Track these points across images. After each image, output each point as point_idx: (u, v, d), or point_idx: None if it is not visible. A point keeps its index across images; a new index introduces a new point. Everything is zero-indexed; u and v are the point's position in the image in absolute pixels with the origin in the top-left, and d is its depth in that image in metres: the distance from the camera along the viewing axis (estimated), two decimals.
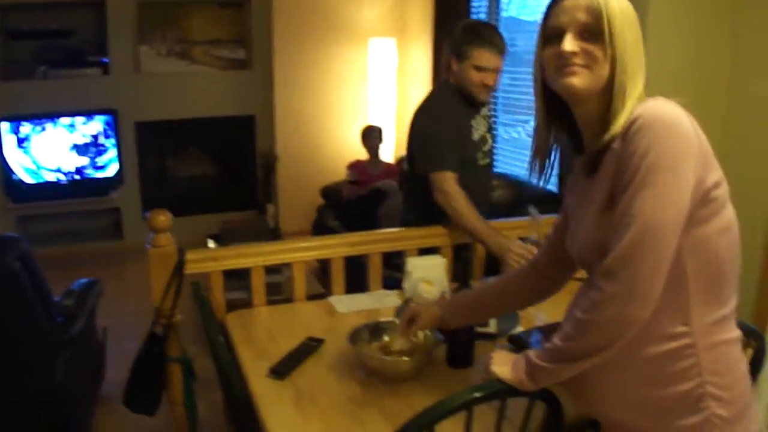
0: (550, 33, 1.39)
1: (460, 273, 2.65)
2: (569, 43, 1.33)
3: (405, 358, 1.90)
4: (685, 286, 1.27)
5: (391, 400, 1.77)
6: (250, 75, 6.47)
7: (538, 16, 4.68)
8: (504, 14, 5.24)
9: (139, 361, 2.30)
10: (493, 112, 3.10)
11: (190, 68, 6.25)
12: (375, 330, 2.02)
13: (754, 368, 1.82)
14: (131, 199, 6.23)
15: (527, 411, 1.46)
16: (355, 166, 5.77)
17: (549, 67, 1.39)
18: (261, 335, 2.21)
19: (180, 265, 2.24)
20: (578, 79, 1.33)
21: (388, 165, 5.97)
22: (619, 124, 1.29)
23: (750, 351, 1.82)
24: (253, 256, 2.44)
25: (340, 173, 5.98)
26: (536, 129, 1.51)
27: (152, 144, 6.32)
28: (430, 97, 3.01)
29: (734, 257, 1.34)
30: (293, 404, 1.76)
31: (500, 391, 1.41)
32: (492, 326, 2.21)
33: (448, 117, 2.85)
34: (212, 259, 2.37)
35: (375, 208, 5.20)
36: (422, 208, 2.83)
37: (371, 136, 5.88)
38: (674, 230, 1.22)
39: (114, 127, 6.03)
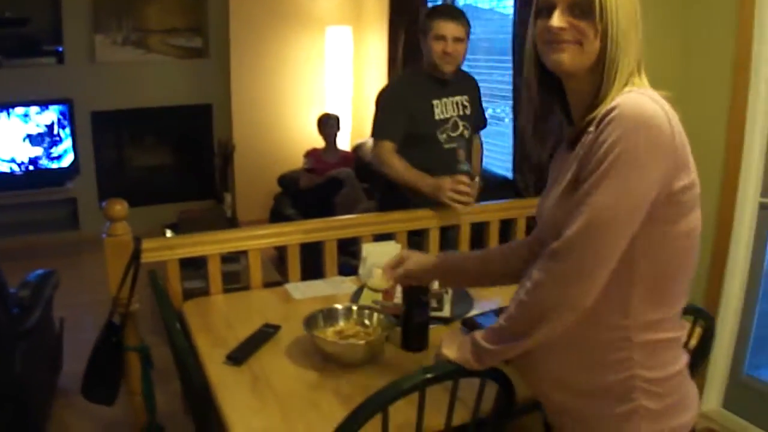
0: (541, 6, 1.38)
1: None
2: (557, 19, 1.32)
3: (360, 342, 1.93)
4: (631, 282, 1.29)
5: (346, 385, 1.80)
6: (206, 64, 6.43)
7: (494, 4, 4.76)
8: (461, 2, 5.28)
9: (96, 351, 2.28)
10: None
11: (146, 57, 6.19)
12: (329, 315, 2.05)
13: (704, 348, 1.89)
14: (87, 190, 6.16)
15: (479, 391, 1.50)
16: (312, 155, 5.77)
17: (539, 40, 1.39)
18: (218, 323, 2.23)
19: (136, 254, 2.24)
20: (567, 55, 1.34)
21: (344, 153, 5.99)
22: (607, 104, 1.29)
23: (699, 330, 1.89)
24: (209, 244, 2.45)
25: (297, 162, 5.97)
26: (530, 99, 1.53)
27: (108, 134, 6.26)
28: (394, 77, 3.19)
29: (689, 264, 1.36)
30: (250, 390, 1.78)
31: (451, 372, 1.45)
32: (446, 310, 2.25)
33: (401, 91, 3.09)
34: (168, 248, 2.38)
35: (331, 197, 5.22)
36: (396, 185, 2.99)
37: (328, 124, 5.88)
38: (627, 225, 1.23)
39: (69, 117, 5.96)
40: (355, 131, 6.70)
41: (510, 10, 4.34)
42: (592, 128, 1.28)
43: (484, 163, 3.58)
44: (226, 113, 6.38)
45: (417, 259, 1.82)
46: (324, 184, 5.42)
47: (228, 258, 3.86)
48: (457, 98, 3.07)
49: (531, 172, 3.95)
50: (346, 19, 6.55)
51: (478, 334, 1.44)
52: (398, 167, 2.92)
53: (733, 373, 3.23)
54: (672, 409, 1.35)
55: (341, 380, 1.83)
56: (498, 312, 2.19)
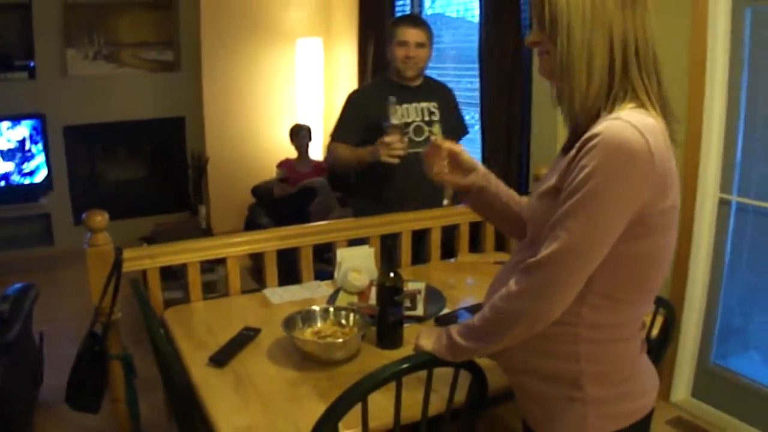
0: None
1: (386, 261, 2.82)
2: (529, 35, 1.43)
3: (338, 341, 2.01)
4: (584, 292, 1.35)
5: (326, 382, 1.88)
6: (178, 77, 6.46)
7: (462, 13, 4.86)
8: (429, 11, 5.38)
9: (79, 360, 2.32)
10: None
11: (118, 71, 6.21)
12: (307, 317, 2.13)
13: (666, 336, 1.98)
14: (61, 205, 6.16)
15: (453, 381, 1.58)
16: (285, 165, 5.83)
17: None
18: (199, 328, 2.30)
19: (118, 264, 2.29)
20: (540, 66, 1.44)
21: (317, 163, 6.05)
22: (570, 124, 1.39)
23: (660, 319, 1.99)
24: (189, 252, 2.52)
25: (270, 172, 6.04)
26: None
27: (81, 148, 6.26)
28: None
29: (654, 280, 1.40)
30: (234, 390, 1.85)
31: (426, 362, 1.53)
32: (419, 309, 2.34)
33: (362, 97, 3.27)
34: (149, 257, 2.44)
35: (305, 206, 5.29)
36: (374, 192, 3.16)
37: (300, 135, 5.95)
38: (597, 252, 1.30)
39: (41, 132, 5.96)
40: (327, 141, 6.75)
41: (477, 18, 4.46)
42: (574, 149, 1.33)
43: None
44: (198, 126, 6.40)
45: (468, 157, 1.83)
46: (297, 193, 5.49)
47: (205, 268, 3.93)
48: (423, 104, 3.17)
49: (498, 177, 4.04)
50: (316, 31, 6.63)
51: (454, 329, 1.52)
52: (343, 153, 3.13)
53: (701, 363, 3.34)
54: (621, 396, 1.43)
55: (320, 378, 1.90)
56: (471, 309, 2.28)
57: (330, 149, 3.22)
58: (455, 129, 3.31)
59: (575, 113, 1.38)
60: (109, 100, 6.22)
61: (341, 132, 3.18)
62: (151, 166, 6.69)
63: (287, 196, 5.52)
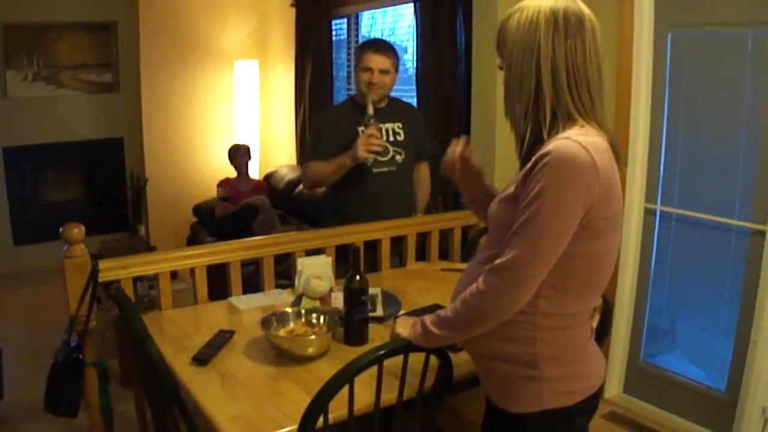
0: None
1: (342, 270, 3.01)
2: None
3: (311, 337, 2.18)
4: (540, 284, 1.55)
5: (303, 374, 2.05)
6: (117, 98, 6.53)
7: (396, 38, 5.07)
8: (363, 34, 5.58)
9: (57, 367, 2.41)
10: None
11: (57, 92, 6.25)
12: (281, 318, 2.30)
13: (603, 327, 2.22)
14: (1, 226, 6.16)
15: (425, 364, 1.79)
16: (226, 184, 5.90)
17: None
18: (175, 333, 2.43)
19: (94, 273, 2.41)
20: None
21: (256, 182, 6.15)
22: (517, 138, 1.60)
23: (597, 314, 2.22)
24: (160, 263, 2.65)
25: (210, 192, 6.11)
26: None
27: (21, 169, 6.27)
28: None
29: (600, 277, 1.61)
30: (219, 385, 2.01)
31: (403, 348, 1.73)
32: (379, 310, 2.53)
33: (327, 119, 3.39)
34: (122, 267, 2.55)
35: (248, 223, 5.40)
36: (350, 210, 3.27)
37: (238, 155, 6.03)
38: (552, 255, 1.49)
39: None
40: (264, 161, 6.91)
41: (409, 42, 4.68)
42: (530, 163, 1.51)
43: None
44: (137, 146, 6.44)
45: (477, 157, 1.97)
46: (239, 211, 5.58)
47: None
48: (388, 125, 3.25)
49: (438, 187, 4.24)
50: (252, 53, 6.76)
51: (428, 319, 1.72)
52: (320, 168, 3.19)
53: (631, 360, 3.60)
54: (572, 375, 1.64)
55: (297, 372, 2.07)
56: (419, 310, 2.47)
57: (305, 169, 3.28)
58: (420, 150, 3.42)
59: (517, 128, 1.61)
60: (48, 122, 6.26)
61: (315, 150, 3.24)
62: (89, 187, 6.71)
63: (230, 215, 5.60)
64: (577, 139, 1.46)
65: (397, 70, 3.26)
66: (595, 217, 1.49)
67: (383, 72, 3.18)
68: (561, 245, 1.49)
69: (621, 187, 1.57)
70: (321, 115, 3.43)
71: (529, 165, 1.51)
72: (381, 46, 3.23)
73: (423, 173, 3.54)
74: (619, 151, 1.57)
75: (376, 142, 3.04)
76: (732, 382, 3.14)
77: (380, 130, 3.14)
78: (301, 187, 5.62)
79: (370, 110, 3.10)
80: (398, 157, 3.27)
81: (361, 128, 3.14)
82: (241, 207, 5.61)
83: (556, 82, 1.53)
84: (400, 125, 3.30)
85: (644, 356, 3.57)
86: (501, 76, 1.66)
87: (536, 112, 1.55)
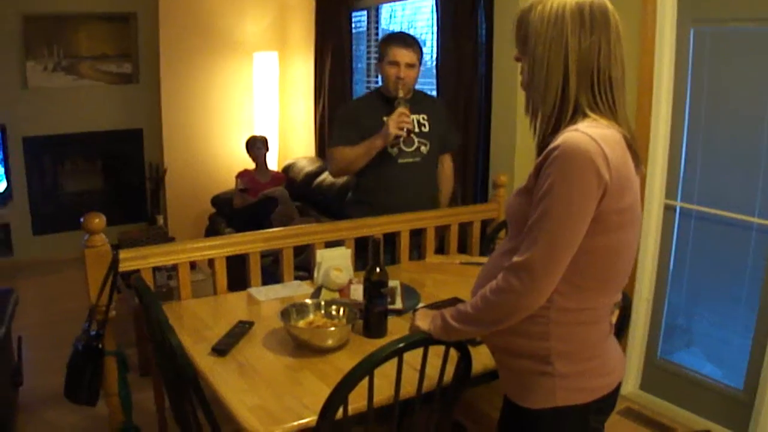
0: None
1: (361, 262, 3.02)
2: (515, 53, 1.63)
3: (331, 329, 2.19)
4: None
5: (322, 366, 2.06)
6: (137, 89, 6.54)
7: (417, 30, 5.06)
8: (383, 26, 5.58)
9: (77, 356, 2.43)
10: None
11: (77, 83, 6.26)
12: (301, 309, 2.31)
13: (622, 323, 2.21)
14: (20, 216, 6.19)
15: (444, 357, 1.79)
16: (245, 175, 5.91)
17: None
18: (195, 323, 2.45)
19: (115, 263, 2.43)
20: (521, 80, 1.63)
21: (275, 173, 6.15)
22: (537, 133, 1.58)
23: (616, 311, 2.21)
24: (180, 253, 2.67)
25: (229, 183, 6.13)
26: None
27: (41, 159, 6.30)
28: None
29: (615, 273, 1.58)
30: (239, 375, 2.02)
31: (423, 340, 1.73)
32: (398, 303, 2.53)
33: (352, 110, 3.41)
34: (142, 257, 2.57)
35: (266, 215, 5.41)
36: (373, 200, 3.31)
37: (255, 146, 6.03)
38: (570, 250, 1.48)
39: (1, 143, 5.96)
40: (282, 152, 6.92)
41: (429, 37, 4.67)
42: (544, 153, 1.51)
43: None
44: (156, 137, 6.47)
45: None
46: (258, 203, 5.60)
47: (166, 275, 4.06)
48: (414, 116, 3.23)
49: (457, 180, 4.24)
50: (272, 45, 6.77)
51: (447, 313, 1.71)
52: (348, 153, 3.20)
53: (648, 357, 3.58)
54: (587, 372, 1.63)
55: (316, 363, 2.08)
56: (439, 303, 2.47)
57: (332, 155, 3.27)
58: (445, 141, 3.42)
59: (538, 123, 1.60)
60: (68, 112, 6.28)
61: (341, 137, 3.23)
62: (109, 178, 6.73)
63: (248, 206, 5.62)
64: (586, 131, 1.45)
65: (421, 63, 3.27)
66: (607, 210, 1.47)
67: (410, 66, 3.19)
68: (577, 238, 1.47)
69: (638, 184, 1.56)
70: (345, 106, 3.44)
71: (540, 158, 1.51)
72: (407, 39, 3.24)
73: (447, 165, 3.53)
74: (637, 150, 1.56)
75: (407, 119, 3.07)
76: (750, 381, 3.12)
77: (418, 149, 3.19)
78: (319, 179, 5.63)
79: (401, 93, 3.13)
80: (423, 148, 3.27)
81: (386, 118, 3.15)
82: (260, 198, 5.63)
83: (581, 79, 1.52)
84: (426, 117, 3.31)
85: (662, 353, 3.56)
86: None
87: (561, 108, 1.54)
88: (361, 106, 3.42)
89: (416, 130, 3.25)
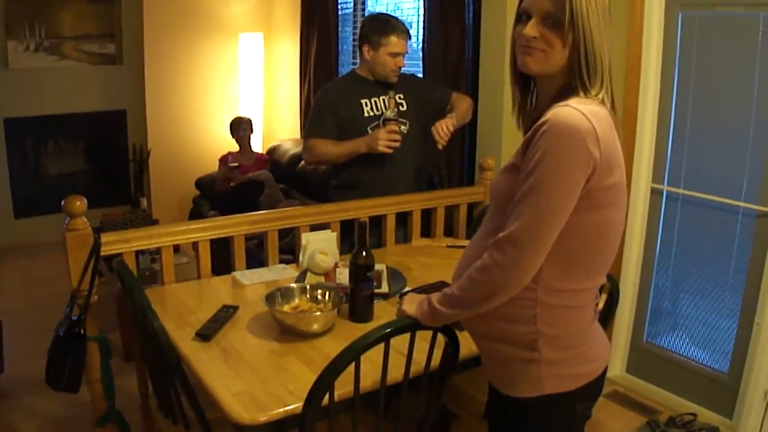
0: (521, 12, 1.58)
1: (347, 246, 3.00)
2: (530, 28, 1.53)
3: (316, 313, 2.17)
4: None
5: (308, 351, 2.04)
6: (120, 70, 6.44)
7: (400, 12, 5.02)
8: (370, 8, 5.53)
9: (58, 342, 2.40)
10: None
11: (59, 63, 6.16)
12: (286, 293, 2.29)
13: (609, 307, 2.20)
14: (1, 199, 6.10)
15: (431, 341, 1.77)
16: (227, 159, 5.86)
17: (516, 43, 1.59)
18: (178, 308, 2.42)
19: (97, 247, 2.39)
20: (532, 60, 1.54)
21: (259, 155, 6.09)
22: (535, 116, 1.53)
23: (604, 295, 2.19)
24: (162, 237, 2.63)
25: (213, 165, 6.06)
26: (511, 89, 1.71)
27: (22, 141, 6.21)
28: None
29: (599, 252, 1.57)
30: (223, 361, 1.99)
31: (410, 326, 1.71)
32: (384, 287, 2.52)
33: (330, 94, 3.31)
34: (125, 241, 2.53)
35: (252, 198, 5.35)
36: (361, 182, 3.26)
37: (240, 128, 5.94)
38: (556, 224, 1.46)
39: None
40: (267, 134, 6.86)
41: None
42: (532, 129, 1.49)
43: None
44: (140, 119, 6.39)
45: None
46: (243, 186, 5.53)
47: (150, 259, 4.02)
48: (391, 94, 3.21)
49: (444, 167, 4.22)
50: (257, 26, 6.70)
51: (434, 297, 1.69)
52: (330, 149, 3.19)
53: (634, 340, 3.59)
54: (573, 359, 1.61)
55: (301, 348, 2.06)
56: (425, 287, 2.46)
57: (310, 146, 3.24)
58: (430, 103, 3.36)
59: (549, 102, 1.54)
60: (50, 93, 6.18)
61: (319, 128, 3.22)
62: (92, 159, 6.63)
63: (232, 190, 5.56)
64: (576, 107, 1.44)
65: None
66: (596, 186, 1.46)
67: (405, 54, 3.22)
68: (564, 213, 1.46)
69: (624, 162, 1.55)
70: (322, 91, 3.39)
71: (529, 133, 1.50)
72: (403, 29, 3.21)
73: (455, 98, 3.41)
74: (620, 130, 1.55)
75: (396, 137, 3.05)
76: (735, 365, 3.14)
77: (400, 126, 3.15)
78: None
79: (388, 111, 3.12)
80: (403, 128, 3.24)
81: (370, 106, 3.16)
82: (244, 181, 5.56)
83: (608, 67, 1.53)
84: (402, 96, 3.29)
85: (647, 336, 3.57)
86: (508, 49, 1.64)
87: (582, 90, 1.52)
88: (338, 90, 3.35)
89: (395, 110, 3.23)
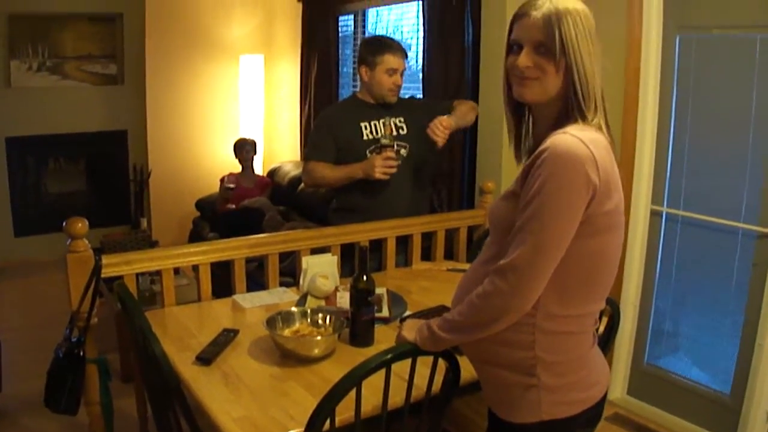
0: (512, 44, 1.60)
1: (348, 269, 3.00)
2: (523, 58, 1.55)
3: (317, 338, 2.16)
4: None
5: (309, 376, 2.04)
6: (122, 90, 6.48)
7: (400, 34, 5.04)
8: (370, 29, 5.55)
9: (58, 363, 2.39)
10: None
11: (61, 83, 6.20)
12: (287, 317, 2.28)
13: (610, 331, 2.20)
14: (2, 217, 6.12)
15: (432, 367, 1.77)
16: (229, 179, 5.87)
17: (510, 73, 1.61)
18: (178, 331, 2.42)
19: (98, 269, 2.39)
20: (528, 90, 1.56)
21: (260, 178, 6.09)
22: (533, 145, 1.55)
23: (605, 319, 2.20)
24: (164, 259, 2.64)
25: (213, 186, 6.08)
26: (506, 118, 1.72)
27: (23, 160, 6.23)
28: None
29: (601, 277, 1.58)
30: (224, 385, 1.99)
31: (410, 351, 1.71)
32: (384, 311, 2.51)
33: (329, 117, 3.34)
34: (125, 263, 2.54)
35: (255, 226, 5.31)
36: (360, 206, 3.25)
37: (244, 149, 5.96)
38: (557, 251, 1.47)
39: None
40: (268, 156, 6.87)
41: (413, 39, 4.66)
42: (532, 156, 1.50)
43: None
44: (141, 139, 6.41)
45: None
46: (240, 213, 5.51)
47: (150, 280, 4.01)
48: (391, 119, 3.21)
49: (444, 186, 4.23)
50: (258, 48, 6.73)
51: (434, 323, 1.69)
52: (328, 173, 3.19)
53: (635, 362, 3.57)
54: (572, 385, 1.61)
55: (302, 372, 2.06)
56: (426, 312, 2.45)
57: (309, 169, 3.25)
58: (439, 112, 3.27)
59: (547, 130, 1.56)
60: (52, 112, 6.21)
61: (318, 151, 3.23)
62: (92, 179, 6.66)
63: (233, 214, 5.55)
64: (575, 134, 1.45)
65: None
66: (595, 212, 1.47)
67: (402, 72, 3.22)
68: (565, 240, 1.46)
69: (623, 184, 1.55)
70: (322, 113, 3.40)
71: (528, 161, 1.51)
72: (398, 47, 3.23)
73: (456, 104, 3.40)
74: (616, 153, 1.56)
75: (393, 163, 3.05)
76: (737, 386, 3.12)
77: (398, 152, 3.15)
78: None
79: (385, 138, 3.11)
80: (403, 151, 3.24)
81: (369, 129, 3.16)
82: (243, 208, 5.54)
83: (600, 91, 1.55)
84: (402, 119, 3.28)
85: (648, 358, 3.55)
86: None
87: (580, 116, 1.53)
88: (338, 113, 3.36)
89: (395, 133, 3.22)
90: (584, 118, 1.52)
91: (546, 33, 1.51)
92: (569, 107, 1.53)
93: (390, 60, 3.16)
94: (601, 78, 1.54)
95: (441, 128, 3.05)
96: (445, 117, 3.10)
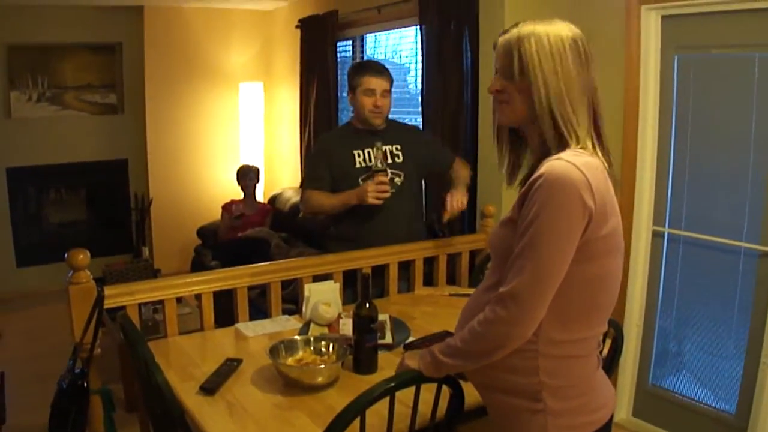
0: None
1: (350, 295, 3.00)
2: (493, 83, 1.61)
3: (321, 366, 2.16)
4: None
5: (313, 404, 2.03)
6: (122, 119, 6.52)
7: (398, 59, 5.07)
8: (368, 54, 5.59)
9: (62, 395, 2.38)
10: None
11: (61, 113, 6.24)
12: (290, 346, 2.27)
13: (614, 354, 2.19)
14: (3, 248, 6.13)
15: (437, 393, 1.76)
16: (230, 207, 5.90)
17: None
18: (182, 360, 2.41)
19: (100, 300, 2.39)
20: (501, 114, 1.62)
21: (261, 205, 6.12)
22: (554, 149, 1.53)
23: (608, 341, 2.19)
24: (167, 289, 2.63)
25: (215, 213, 6.10)
26: (497, 147, 1.75)
27: (24, 190, 6.26)
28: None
29: (602, 301, 1.58)
30: (228, 415, 1.98)
31: (414, 378, 1.71)
32: (388, 337, 2.50)
33: (323, 145, 3.38)
34: (128, 294, 2.54)
35: (261, 256, 5.29)
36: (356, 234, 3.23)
37: (248, 176, 5.99)
38: (557, 277, 1.48)
39: None
40: (269, 182, 6.90)
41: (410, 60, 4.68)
42: (526, 186, 1.52)
43: None
44: (141, 168, 6.45)
45: None
46: (243, 242, 5.51)
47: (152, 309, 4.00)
48: (386, 147, 3.20)
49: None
50: (257, 75, 6.77)
51: (436, 348, 1.69)
52: (323, 200, 3.18)
53: (639, 383, 3.57)
54: (579, 408, 1.60)
55: (306, 401, 2.05)
56: (429, 337, 2.45)
57: (305, 198, 3.24)
58: (434, 163, 3.37)
59: (537, 155, 1.58)
60: (52, 142, 6.25)
61: (314, 179, 3.22)
62: (93, 208, 6.69)
63: (235, 243, 5.55)
64: (569, 159, 1.46)
65: (391, 90, 3.24)
66: (592, 236, 1.47)
67: (384, 93, 3.17)
68: (563, 266, 1.47)
69: (624, 205, 1.56)
70: (318, 141, 3.42)
71: (524, 188, 1.51)
72: (378, 68, 3.22)
73: (457, 165, 3.42)
74: (616, 177, 1.58)
75: (385, 188, 3.02)
76: (742, 405, 3.11)
77: (392, 180, 3.14)
78: None
79: (378, 162, 3.09)
80: (397, 180, 3.22)
81: (362, 157, 3.16)
82: (247, 237, 5.55)
83: (580, 112, 1.54)
84: (399, 147, 3.25)
85: (653, 379, 3.54)
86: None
87: (559, 140, 1.53)
88: (332, 142, 3.35)
89: (389, 161, 3.20)
90: (577, 140, 1.52)
91: (505, 56, 1.56)
92: (548, 128, 1.54)
93: (368, 80, 3.14)
94: (589, 94, 1.55)
95: (458, 205, 3.12)
96: (463, 196, 3.16)
